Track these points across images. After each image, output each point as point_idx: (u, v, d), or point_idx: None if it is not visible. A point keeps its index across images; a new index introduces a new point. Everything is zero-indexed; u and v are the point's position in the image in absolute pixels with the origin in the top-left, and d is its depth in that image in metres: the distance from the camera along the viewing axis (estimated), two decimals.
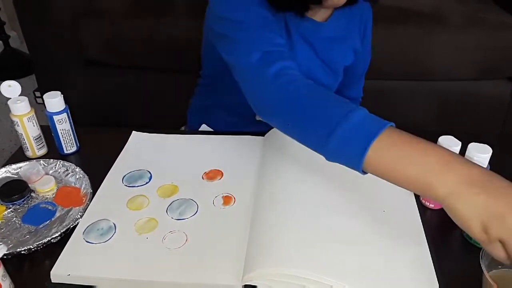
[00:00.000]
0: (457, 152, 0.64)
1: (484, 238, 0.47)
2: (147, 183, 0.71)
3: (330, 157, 0.57)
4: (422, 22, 1.48)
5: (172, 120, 1.02)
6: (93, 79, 1.63)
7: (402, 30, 1.45)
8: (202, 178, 0.72)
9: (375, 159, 0.53)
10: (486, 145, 0.64)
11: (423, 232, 0.61)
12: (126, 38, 1.52)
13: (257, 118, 0.81)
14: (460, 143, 0.66)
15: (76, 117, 0.81)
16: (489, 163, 0.64)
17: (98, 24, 1.52)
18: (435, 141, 0.65)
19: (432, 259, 0.57)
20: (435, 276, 0.55)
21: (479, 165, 0.50)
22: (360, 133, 0.54)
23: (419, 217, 0.64)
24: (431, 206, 0.67)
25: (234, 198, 0.68)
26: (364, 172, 0.55)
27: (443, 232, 0.65)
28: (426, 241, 0.60)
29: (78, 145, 0.82)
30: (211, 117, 0.95)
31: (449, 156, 0.51)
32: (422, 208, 0.66)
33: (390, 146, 0.53)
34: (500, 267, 0.53)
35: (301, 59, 0.81)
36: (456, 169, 0.49)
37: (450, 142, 0.65)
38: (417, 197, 0.67)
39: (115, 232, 0.62)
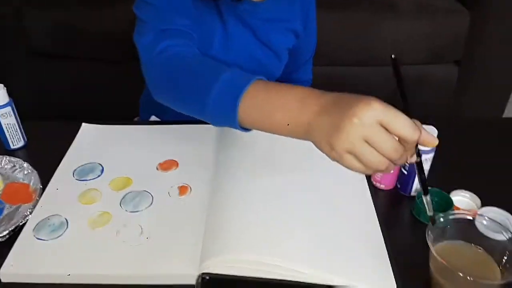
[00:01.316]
0: None
1: (335, 155, 0.47)
2: (99, 176, 0.70)
3: (213, 121, 0.58)
4: (374, 8, 1.51)
5: (124, 112, 1.00)
6: (38, 70, 1.56)
7: (353, 15, 1.48)
8: (157, 169, 0.72)
9: (247, 112, 0.53)
10: (432, 127, 0.67)
11: (375, 211, 0.63)
12: (72, 28, 1.47)
13: None
14: None
15: (22, 110, 0.78)
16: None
17: (43, 12, 1.46)
18: None
19: (383, 237, 0.59)
20: (386, 252, 0.57)
21: (333, 93, 0.49)
22: (230, 90, 0.54)
23: (371, 198, 0.66)
24: (382, 186, 0.69)
25: (190, 188, 0.68)
26: (246, 129, 0.55)
27: (393, 211, 0.68)
28: (377, 219, 0.62)
29: (26, 139, 0.79)
30: (161, 107, 0.93)
31: (304, 92, 0.51)
32: (373, 189, 0.69)
33: (258, 97, 0.53)
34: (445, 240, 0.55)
35: (238, 41, 0.80)
36: (309, 103, 0.49)
37: None
38: (368, 179, 0.70)
39: (67, 227, 0.61)
